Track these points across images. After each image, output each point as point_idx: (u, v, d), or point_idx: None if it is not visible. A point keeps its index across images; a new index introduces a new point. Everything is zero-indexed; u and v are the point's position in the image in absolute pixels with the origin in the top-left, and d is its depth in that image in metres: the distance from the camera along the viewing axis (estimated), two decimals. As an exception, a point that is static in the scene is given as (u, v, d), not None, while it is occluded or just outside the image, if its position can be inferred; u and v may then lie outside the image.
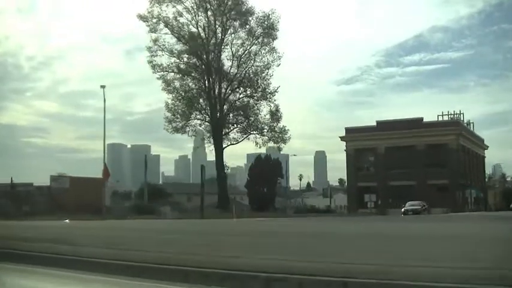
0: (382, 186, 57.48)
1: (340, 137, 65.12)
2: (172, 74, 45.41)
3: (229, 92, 46.53)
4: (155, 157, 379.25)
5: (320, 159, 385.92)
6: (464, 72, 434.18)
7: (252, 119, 46.38)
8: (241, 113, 46.53)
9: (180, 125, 46.43)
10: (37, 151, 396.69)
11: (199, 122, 47.58)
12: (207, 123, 47.09)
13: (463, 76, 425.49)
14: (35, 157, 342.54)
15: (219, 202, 45.51)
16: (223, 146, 46.77)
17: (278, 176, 58.11)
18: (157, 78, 45.64)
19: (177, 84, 45.96)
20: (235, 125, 47.20)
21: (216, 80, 45.88)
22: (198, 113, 46.85)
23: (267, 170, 56.40)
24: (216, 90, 46.06)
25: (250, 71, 45.82)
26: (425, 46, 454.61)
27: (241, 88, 46.37)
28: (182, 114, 46.10)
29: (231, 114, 47.03)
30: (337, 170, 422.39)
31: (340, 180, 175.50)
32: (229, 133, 47.04)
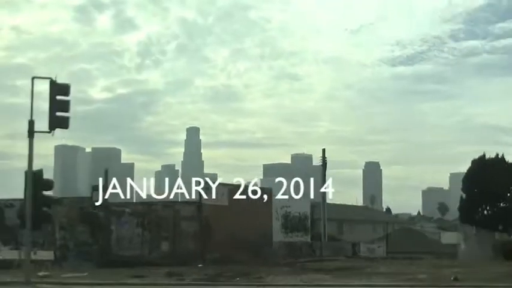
0: None
1: None
2: None
3: None
4: (127, 167, 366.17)
5: (370, 172, 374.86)
6: None
7: None
8: None
9: None
10: None
11: None
12: None
13: None
14: None
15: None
16: None
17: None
18: None
19: None
20: None
21: None
22: None
23: (497, 181, 45.14)
24: None
25: None
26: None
27: None
28: None
29: None
30: (395, 188, 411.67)
31: (441, 205, 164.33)
32: None
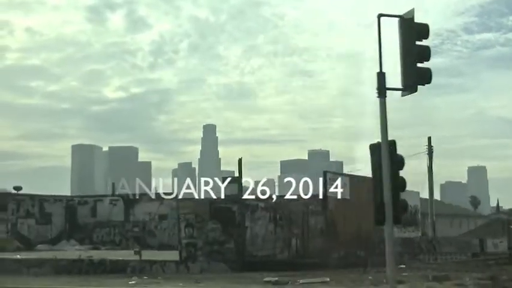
0: None
1: None
2: None
3: None
4: (144, 165, 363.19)
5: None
6: None
7: None
8: None
9: None
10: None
11: None
12: None
13: None
14: None
15: None
16: None
17: None
18: None
19: None
20: None
21: None
22: None
23: None
24: None
25: None
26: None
27: None
28: None
29: None
30: (413, 183, 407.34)
31: (473, 199, 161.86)
32: None
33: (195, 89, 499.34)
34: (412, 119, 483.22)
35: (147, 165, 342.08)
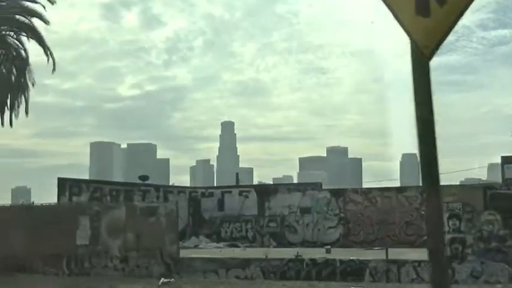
0: None
1: None
2: None
3: None
4: (163, 162, 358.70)
5: (408, 164, 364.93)
6: None
7: None
8: None
9: None
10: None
11: None
12: None
13: None
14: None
15: None
16: None
17: None
18: None
19: None
20: None
21: None
22: None
23: None
24: None
25: None
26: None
27: None
28: None
29: None
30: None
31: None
32: None
33: (209, 86, 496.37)
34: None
35: (166, 162, 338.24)
